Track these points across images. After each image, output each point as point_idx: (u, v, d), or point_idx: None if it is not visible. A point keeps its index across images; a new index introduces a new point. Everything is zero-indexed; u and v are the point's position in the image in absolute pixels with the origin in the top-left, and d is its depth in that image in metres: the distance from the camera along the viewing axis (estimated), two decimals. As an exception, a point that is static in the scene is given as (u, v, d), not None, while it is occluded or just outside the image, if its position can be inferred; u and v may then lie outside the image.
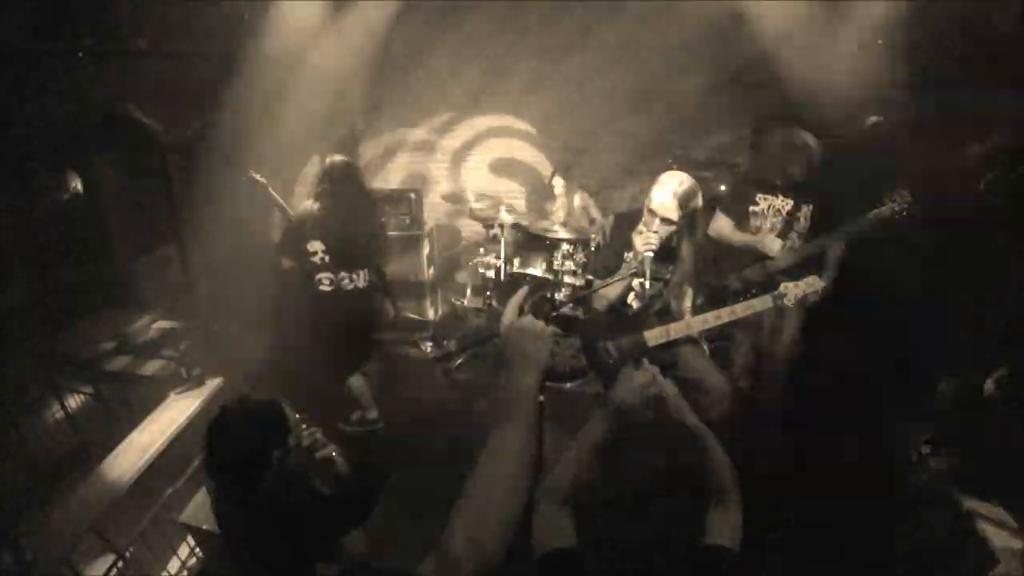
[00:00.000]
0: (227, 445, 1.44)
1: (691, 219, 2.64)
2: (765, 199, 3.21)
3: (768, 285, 3.11)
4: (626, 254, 2.72)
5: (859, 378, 3.59)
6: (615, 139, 5.22)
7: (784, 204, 3.18)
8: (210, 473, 1.46)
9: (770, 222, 3.20)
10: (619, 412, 1.50)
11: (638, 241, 2.55)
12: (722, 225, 3.35)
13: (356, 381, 3.61)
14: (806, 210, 3.14)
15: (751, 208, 3.22)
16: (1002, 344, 2.80)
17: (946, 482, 2.69)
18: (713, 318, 2.66)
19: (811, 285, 2.56)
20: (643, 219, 2.61)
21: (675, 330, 2.66)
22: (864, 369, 3.59)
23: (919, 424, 3.01)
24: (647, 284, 2.53)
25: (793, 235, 3.17)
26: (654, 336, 2.68)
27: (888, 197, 2.81)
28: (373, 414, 3.69)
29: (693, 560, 1.38)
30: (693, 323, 2.67)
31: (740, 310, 2.68)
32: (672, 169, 4.37)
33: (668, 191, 2.52)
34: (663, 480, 1.43)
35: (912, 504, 2.88)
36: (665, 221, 2.55)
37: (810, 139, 3.06)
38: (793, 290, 2.57)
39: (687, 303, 2.86)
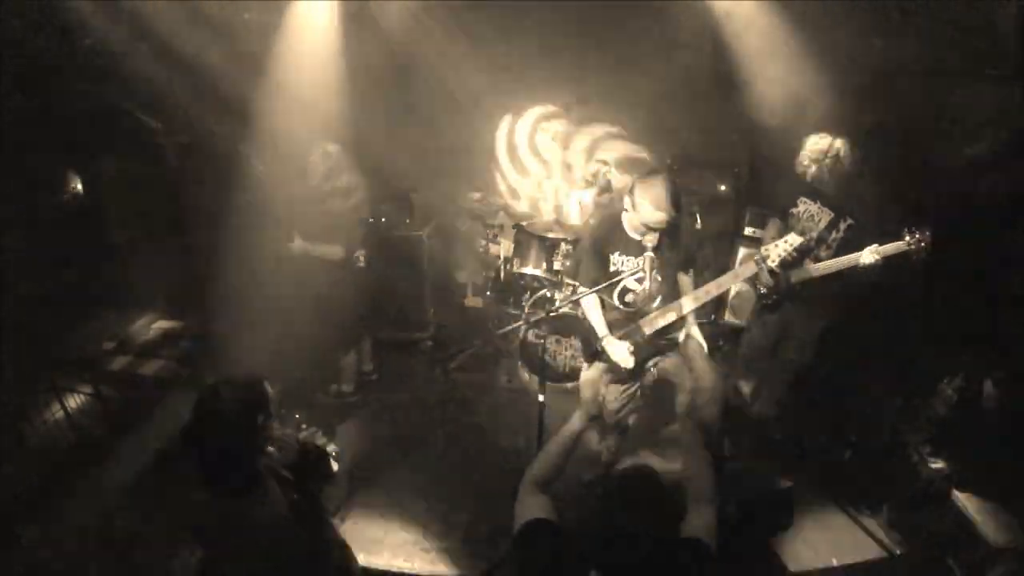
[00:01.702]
0: (215, 419, 1.54)
1: (683, 218, 2.65)
2: (804, 203, 3.09)
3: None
4: (614, 255, 2.72)
5: (860, 378, 3.59)
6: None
7: (820, 212, 3.04)
8: (200, 459, 1.55)
9: (803, 226, 3.06)
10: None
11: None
12: (768, 234, 3.28)
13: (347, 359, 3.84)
14: (843, 224, 2.98)
15: (791, 210, 3.13)
16: (1001, 346, 2.80)
17: (946, 482, 2.69)
18: (703, 294, 2.67)
19: (789, 242, 2.52)
20: (634, 224, 2.61)
21: (668, 313, 2.68)
22: (865, 370, 3.59)
23: (919, 424, 3.01)
24: (647, 282, 2.53)
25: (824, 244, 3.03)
26: (649, 321, 2.69)
27: (908, 233, 2.70)
28: (349, 387, 3.95)
29: (672, 548, 1.43)
30: (685, 303, 2.69)
31: (727, 280, 2.72)
32: (672, 169, 4.38)
33: (657, 200, 2.48)
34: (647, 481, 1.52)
35: (912, 504, 2.89)
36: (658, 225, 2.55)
37: (841, 148, 2.91)
38: (775, 251, 2.54)
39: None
